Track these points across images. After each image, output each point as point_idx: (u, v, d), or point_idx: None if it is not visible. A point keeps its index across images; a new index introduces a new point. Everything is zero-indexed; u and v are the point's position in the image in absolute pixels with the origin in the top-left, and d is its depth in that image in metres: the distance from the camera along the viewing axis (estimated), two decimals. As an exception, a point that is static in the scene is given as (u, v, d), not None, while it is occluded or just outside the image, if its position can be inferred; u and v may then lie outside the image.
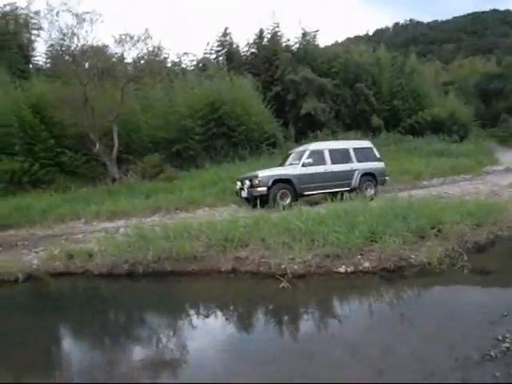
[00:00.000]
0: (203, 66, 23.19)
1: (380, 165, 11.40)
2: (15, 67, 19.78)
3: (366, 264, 5.16)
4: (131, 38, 15.16)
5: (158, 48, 16.15)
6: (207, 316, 4.62)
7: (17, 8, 22.92)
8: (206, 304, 4.92)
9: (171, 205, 11.46)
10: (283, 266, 5.22)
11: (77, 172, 15.80)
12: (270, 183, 9.83)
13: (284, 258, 5.37)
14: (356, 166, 10.95)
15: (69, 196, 13.16)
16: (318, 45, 25.18)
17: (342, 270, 5.12)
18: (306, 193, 10.33)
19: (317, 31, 25.92)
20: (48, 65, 22.38)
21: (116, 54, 17.43)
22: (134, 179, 15.37)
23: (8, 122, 15.28)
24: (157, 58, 16.93)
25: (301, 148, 11.74)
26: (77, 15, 15.19)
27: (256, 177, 10.02)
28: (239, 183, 10.74)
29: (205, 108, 17.82)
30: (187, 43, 37.63)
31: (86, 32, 15.50)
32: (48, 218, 10.59)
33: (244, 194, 10.39)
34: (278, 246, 5.65)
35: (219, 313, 4.64)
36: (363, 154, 11.23)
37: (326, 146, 11.16)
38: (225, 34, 24.10)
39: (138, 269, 5.92)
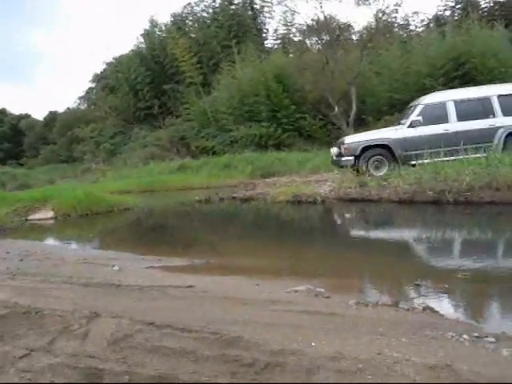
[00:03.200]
0: (437, 22, 20.96)
1: None
2: (255, 48, 22.01)
3: None
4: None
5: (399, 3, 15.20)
6: None
7: (253, -5, 25.60)
8: None
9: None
10: None
11: (314, 136, 16.47)
12: (359, 151, 7.95)
13: None
14: (501, 121, 7.74)
15: (313, 154, 13.73)
16: None
17: None
18: (414, 161, 7.74)
19: None
20: (279, 41, 24.41)
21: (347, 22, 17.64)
22: (371, 142, 15.09)
23: (257, 92, 17.05)
24: (393, 15, 16.07)
25: (416, 101, 8.91)
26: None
27: (342, 143, 8.32)
28: (332, 149, 9.10)
29: (447, 64, 15.95)
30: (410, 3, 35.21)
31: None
32: (304, 169, 11.18)
33: (334, 162, 8.86)
34: None
35: None
36: None
37: (451, 95, 8.25)
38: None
39: (445, 197, 5.35)
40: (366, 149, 8.04)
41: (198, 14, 25.20)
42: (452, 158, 7.43)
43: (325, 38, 17.39)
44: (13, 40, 61.75)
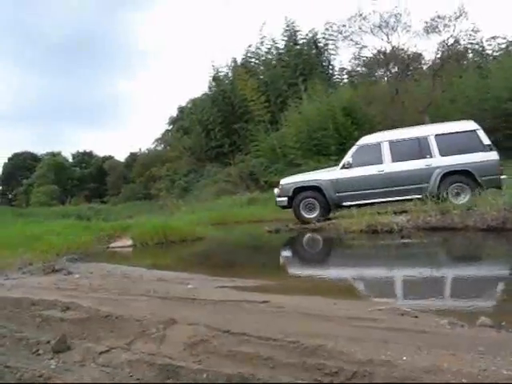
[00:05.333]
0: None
1: (486, 157, 7.28)
2: (322, 83, 22.32)
3: None
4: (442, 18, 14.33)
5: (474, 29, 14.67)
6: None
7: (316, 33, 26.25)
8: None
9: None
10: None
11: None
12: (291, 192, 8.16)
13: None
14: (437, 161, 7.51)
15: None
16: None
17: None
18: (347, 203, 7.87)
19: None
20: (345, 75, 24.55)
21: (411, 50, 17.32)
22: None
23: (325, 126, 17.08)
24: (468, 41, 15.50)
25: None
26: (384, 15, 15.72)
27: (278, 184, 8.64)
28: (275, 189, 9.13)
29: (531, 87, 14.89)
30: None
31: (393, 29, 15.85)
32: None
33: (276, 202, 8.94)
34: None
35: None
36: (455, 143, 7.47)
37: (386, 136, 8.11)
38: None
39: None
40: (298, 190, 8.20)
41: (263, 57, 26.25)
42: (386, 199, 7.52)
43: (393, 69, 17.24)
44: (98, 89, 68.81)
